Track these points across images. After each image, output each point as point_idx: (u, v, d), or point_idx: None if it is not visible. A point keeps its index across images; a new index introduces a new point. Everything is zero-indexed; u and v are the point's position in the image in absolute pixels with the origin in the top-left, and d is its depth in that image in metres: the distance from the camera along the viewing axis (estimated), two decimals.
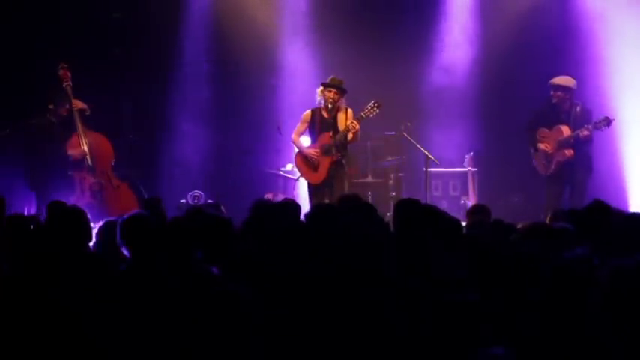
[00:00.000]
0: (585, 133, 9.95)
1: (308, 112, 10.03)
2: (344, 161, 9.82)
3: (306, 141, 10.13)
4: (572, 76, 10.31)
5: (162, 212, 7.28)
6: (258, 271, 4.82)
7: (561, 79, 10.25)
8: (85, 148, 9.89)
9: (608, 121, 9.87)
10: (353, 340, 4.06)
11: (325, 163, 9.80)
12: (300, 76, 11.89)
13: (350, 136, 9.73)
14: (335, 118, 9.82)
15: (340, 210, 6.29)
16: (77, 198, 9.76)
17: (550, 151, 10.22)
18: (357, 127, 9.65)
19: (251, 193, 10.38)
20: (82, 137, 9.88)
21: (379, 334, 4.00)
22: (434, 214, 5.62)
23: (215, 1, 12.22)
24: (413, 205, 5.88)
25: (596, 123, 9.92)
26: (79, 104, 9.92)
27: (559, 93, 10.16)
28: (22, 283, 4.64)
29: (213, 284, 4.25)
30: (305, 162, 9.99)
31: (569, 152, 10.06)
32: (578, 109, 10.14)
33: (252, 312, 4.03)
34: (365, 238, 4.78)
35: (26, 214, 9.08)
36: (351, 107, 9.88)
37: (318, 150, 9.86)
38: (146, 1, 11.88)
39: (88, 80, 10.39)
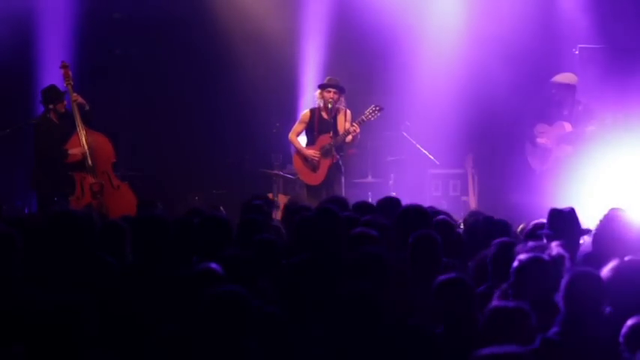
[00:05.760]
0: (591, 128, 9.90)
1: (307, 112, 9.99)
2: (341, 162, 9.81)
3: (302, 141, 10.08)
4: (574, 73, 10.32)
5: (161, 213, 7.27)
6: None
7: (563, 77, 10.22)
8: (85, 147, 9.86)
9: (603, 122, 9.85)
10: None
11: (325, 165, 9.76)
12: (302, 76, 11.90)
13: (349, 138, 9.68)
14: (335, 119, 9.77)
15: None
16: (77, 198, 9.75)
17: (550, 146, 10.20)
18: (358, 130, 9.62)
19: (251, 193, 10.35)
20: (82, 136, 9.85)
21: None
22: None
23: None
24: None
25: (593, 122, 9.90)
26: (78, 98, 9.86)
27: (562, 91, 10.14)
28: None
29: (213, 283, 4.26)
30: (304, 163, 9.93)
31: (570, 149, 10.02)
32: (580, 107, 10.10)
33: (250, 311, 4.05)
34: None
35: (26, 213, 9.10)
36: (350, 108, 9.84)
37: (318, 151, 9.83)
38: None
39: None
